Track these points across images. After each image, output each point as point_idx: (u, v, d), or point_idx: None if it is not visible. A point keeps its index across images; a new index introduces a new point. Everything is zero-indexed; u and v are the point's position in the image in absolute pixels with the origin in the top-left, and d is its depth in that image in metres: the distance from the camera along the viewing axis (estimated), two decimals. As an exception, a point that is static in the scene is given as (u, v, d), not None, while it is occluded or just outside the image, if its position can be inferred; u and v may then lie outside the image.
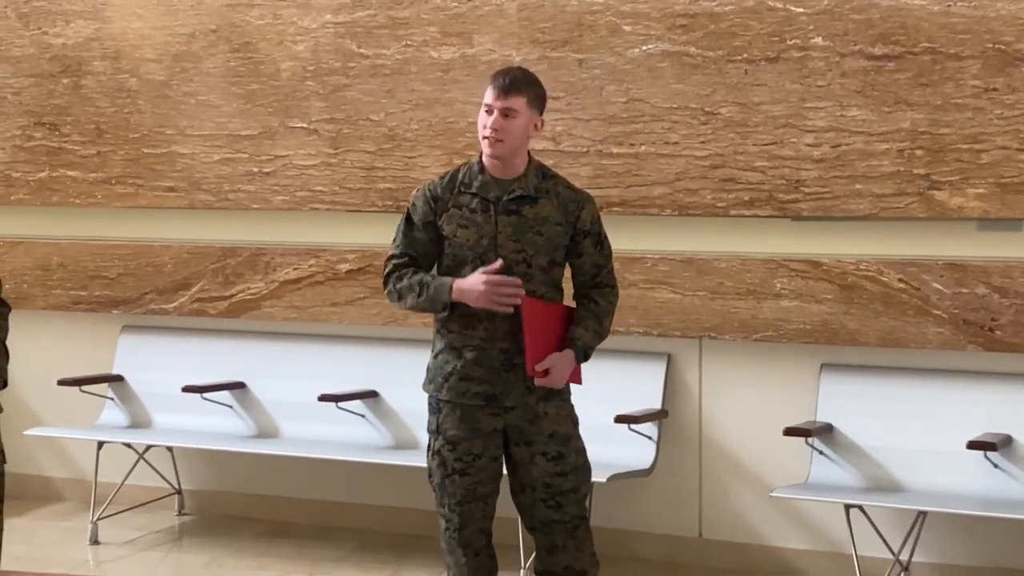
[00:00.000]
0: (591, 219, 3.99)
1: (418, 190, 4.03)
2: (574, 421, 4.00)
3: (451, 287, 3.85)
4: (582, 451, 3.99)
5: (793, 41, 5.10)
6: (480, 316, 3.87)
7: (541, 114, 3.97)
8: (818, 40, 5.07)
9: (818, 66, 5.07)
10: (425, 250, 3.97)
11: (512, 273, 3.87)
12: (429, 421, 3.99)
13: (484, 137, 3.89)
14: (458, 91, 5.60)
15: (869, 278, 5.07)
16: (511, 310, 3.83)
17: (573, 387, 4.03)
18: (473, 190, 3.93)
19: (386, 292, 4.02)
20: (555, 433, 3.94)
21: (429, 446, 3.99)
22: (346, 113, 5.80)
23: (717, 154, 5.23)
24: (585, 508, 4.01)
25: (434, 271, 3.99)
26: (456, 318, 3.89)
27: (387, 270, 4.01)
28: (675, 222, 5.35)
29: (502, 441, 3.95)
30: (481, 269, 3.84)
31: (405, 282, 3.94)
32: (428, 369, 4.00)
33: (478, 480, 3.94)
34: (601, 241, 4.01)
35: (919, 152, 4.97)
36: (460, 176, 3.97)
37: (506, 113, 3.86)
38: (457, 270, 3.91)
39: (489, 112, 3.88)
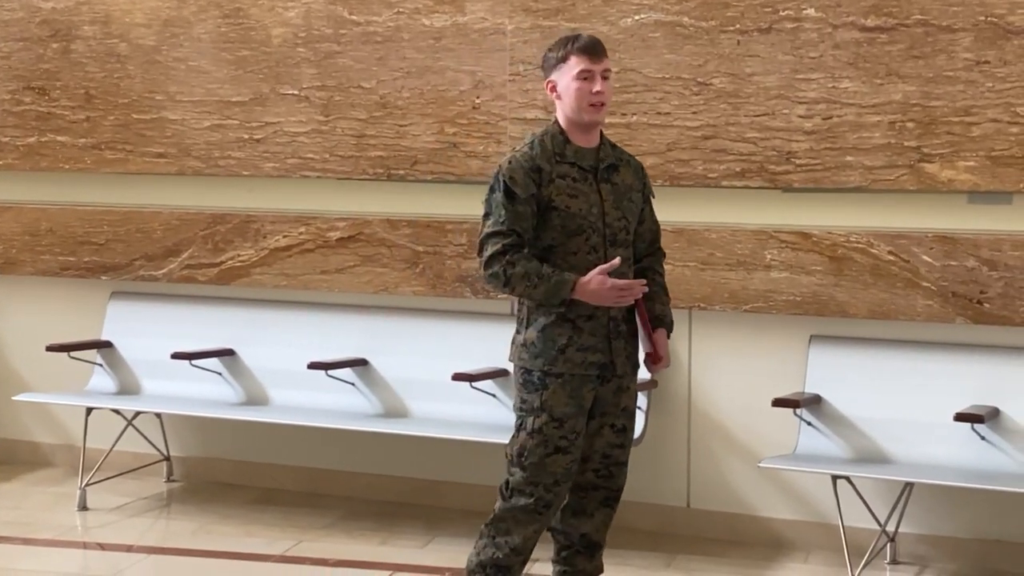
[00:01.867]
0: (650, 185, 4.13)
1: (511, 162, 3.91)
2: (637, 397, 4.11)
3: (574, 284, 3.81)
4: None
5: (786, 12, 5.09)
6: None
7: None
8: (811, 11, 5.06)
9: (810, 37, 5.06)
10: (528, 224, 3.88)
11: (617, 241, 3.93)
12: (527, 399, 3.92)
13: (591, 104, 3.88)
14: (450, 59, 5.58)
15: (859, 250, 5.08)
16: (628, 303, 3.88)
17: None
18: (570, 160, 3.91)
19: (488, 273, 3.88)
20: (627, 407, 4.02)
21: (522, 425, 3.92)
22: (337, 80, 5.77)
23: (709, 125, 5.22)
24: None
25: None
26: None
27: (494, 250, 3.86)
28: (666, 192, 5.32)
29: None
30: (601, 268, 3.82)
31: (519, 268, 3.83)
32: (528, 344, 3.92)
33: (575, 458, 3.95)
34: (653, 206, 4.14)
35: (910, 124, 4.96)
36: (548, 145, 3.93)
37: (606, 75, 3.91)
38: (565, 241, 3.88)
39: (589, 78, 3.87)
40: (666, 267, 5.25)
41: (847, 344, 5.18)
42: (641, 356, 4.07)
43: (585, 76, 3.88)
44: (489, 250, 3.87)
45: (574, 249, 3.88)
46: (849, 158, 5.05)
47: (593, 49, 3.90)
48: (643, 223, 4.07)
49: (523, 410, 3.93)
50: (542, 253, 3.90)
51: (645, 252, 4.10)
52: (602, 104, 3.90)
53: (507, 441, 4.02)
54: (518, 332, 3.98)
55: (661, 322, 4.03)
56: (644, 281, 3.94)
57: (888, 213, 5.08)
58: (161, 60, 6.06)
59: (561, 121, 3.96)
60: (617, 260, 3.85)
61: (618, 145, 4.14)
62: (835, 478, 4.88)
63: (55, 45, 6.24)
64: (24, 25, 6.29)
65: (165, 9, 6.03)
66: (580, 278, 3.82)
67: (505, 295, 4.05)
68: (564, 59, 3.90)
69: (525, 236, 3.87)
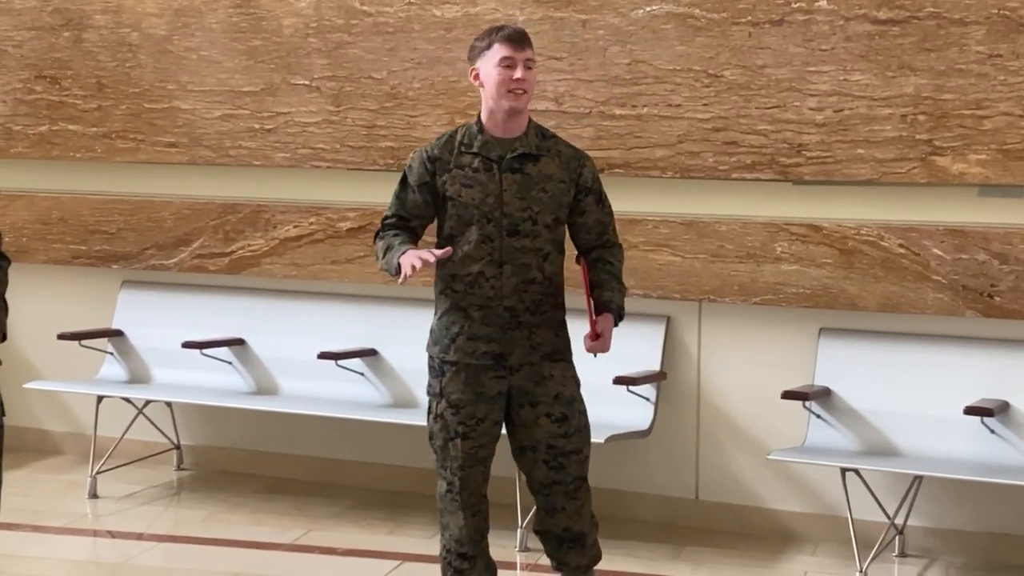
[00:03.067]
0: (592, 176, 4.00)
1: (415, 153, 4.02)
2: (577, 383, 4.02)
3: (403, 253, 3.81)
4: (584, 413, 4.01)
5: (798, 4, 5.08)
6: (486, 275, 3.88)
7: None
8: (822, 3, 5.05)
9: (822, 30, 5.05)
10: (417, 211, 3.97)
11: (518, 231, 3.88)
12: (431, 384, 3.99)
13: (509, 91, 3.87)
14: (461, 50, 5.57)
15: (869, 243, 5.07)
16: (407, 272, 3.75)
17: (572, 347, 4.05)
18: (475, 150, 3.93)
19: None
20: (560, 394, 3.95)
21: (430, 409, 3.99)
22: (348, 71, 5.78)
23: (720, 117, 5.22)
24: (586, 470, 4.02)
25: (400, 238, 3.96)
26: (459, 277, 3.90)
27: (377, 230, 4.03)
28: (676, 184, 5.34)
29: (504, 404, 3.95)
30: (434, 251, 3.81)
31: (380, 243, 3.96)
32: (432, 331, 3.99)
33: (479, 444, 3.95)
34: (602, 199, 4.03)
35: (922, 117, 4.96)
36: (459, 137, 3.97)
37: (529, 65, 3.90)
38: (463, 230, 3.90)
39: (510, 66, 3.87)
40: (676, 259, 5.28)
41: (857, 337, 5.17)
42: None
43: (507, 64, 3.88)
44: (377, 232, 4.03)
45: (469, 238, 3.89)
46: (860, 151, 5.04)
47: (516, 37, 3.91)
48: (584, 215, 4.00)
49: (429, 394, 4.01)
50: (444, 243, 3.93)
51: (593, 244, 4.03)
52: (523, 91, 3.89)
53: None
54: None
55: (606, 307, 3.96)
56: (434, 256, 3.78)
57: (899, 206, 5.07)
58: (172, 50, 6.07)
59: (483, 112, 3.96)
60: (448, 250, 3.83)
61: (556, 137, 4.03)
62: (844, 471, 4.88)
63: (67, 34, 6.25)
64: (36, 14, 6.30)
65: (177, -1, 6.04)
66: (411, 248, 3.85)
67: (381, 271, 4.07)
68: (488, 47, 3.91)
69: (411, 221, 3.99)
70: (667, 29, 5.26)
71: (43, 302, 6.32)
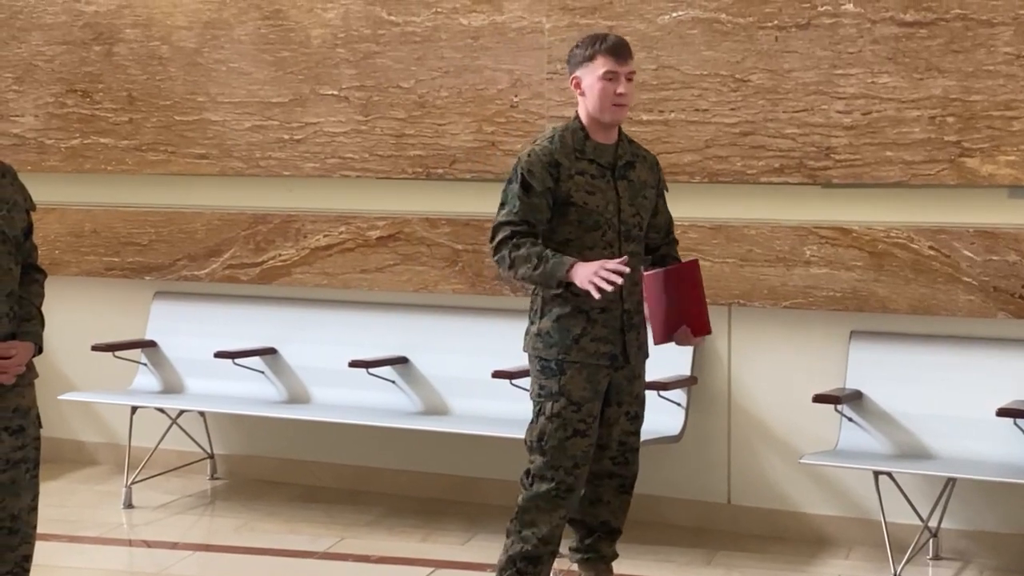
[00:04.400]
0: (664, 180, 4.24)
1: (529, 156, 4.00)
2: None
3: (571, 266, 3.84)
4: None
5: (824, 7, 5.08)
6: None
7: None
8: (849, 6, 5.04)
9: (849, 32, 5.04)
10: (542, 216, 3.98)
11: (631, 236, 4.04)
12: (545, 384, 4.02)
13: (615, 105, 3.97)
14: (488, 58, 5.60)
15: (899, 245, 5.06)
16: (610, 288, 3.80)
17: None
18: (589, 156, 4.01)
19: (496, 258, 3.98)
20: (639, 395, 4.15)
21: (541, 410, 4.03)
22: (376, 80, 5.81)
23: (747, 121, 5.21)
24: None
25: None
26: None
27: (502, 235, 3.96)
28: (704, 189, 5.34)
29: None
30: (613, 261, 3.83)
31: (523, 251, 3.91)
32: (542, 334, 4.03)
33: (592, 442, 4.06)
34: (666, 199, 4.26)
35: (950, 119, 4.94)
36: (569, 142, 4.02)
37: (630, 77, 4.01)
38: (582, 235, 3.97)
39: (613, 79, 3.96)
40: (705, 263, 5.29)
41: (888, 340, 5.16)
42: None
43: (610, 77, 3.97)
44: (499, 236, 3.97)
45: (590, 244, 3.99)
46: (889, 153, 5.03)
47: (620, 51, 4.00)
48: (657, 216, 4.20)
49: (541, 396, 4.04)
50: (558, 247, 3.97)
51: (661, 242, 4.25)
52: (624, 105, 4.02)
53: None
54: (532, 323, 4.10)
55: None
56: (625, 269, 3.83)
57: (928, 208, 5.06)
58: (202, 62, 6.11)
59: (583, 117, 4.07)
60: (626, 258, 3.90)
61: (635, 141, 4.24)
62: (877, 474, 4.86)
63: (98, 48, 6.31)
64: (67, 29, 6.36)
65: (206, 11, 6.08)
66: (579, 261, 3.87)
67: (508, 277, 4.13)
68: (591, 58, 4.00)
69: (537, 227, 3.97)
70: (693, 34, 5.26)
71: (77, 314, 6.37)
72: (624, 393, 4.11)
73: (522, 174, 3.96)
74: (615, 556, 4.29)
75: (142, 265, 6.31)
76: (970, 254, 4.95)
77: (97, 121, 6.33)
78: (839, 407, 5.08)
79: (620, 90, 3.96)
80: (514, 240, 3.93)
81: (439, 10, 5.68)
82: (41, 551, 3.82)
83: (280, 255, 6.05)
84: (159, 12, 6.17)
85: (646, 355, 4.19)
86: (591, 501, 4.14)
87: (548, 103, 5.51)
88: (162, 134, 6.21)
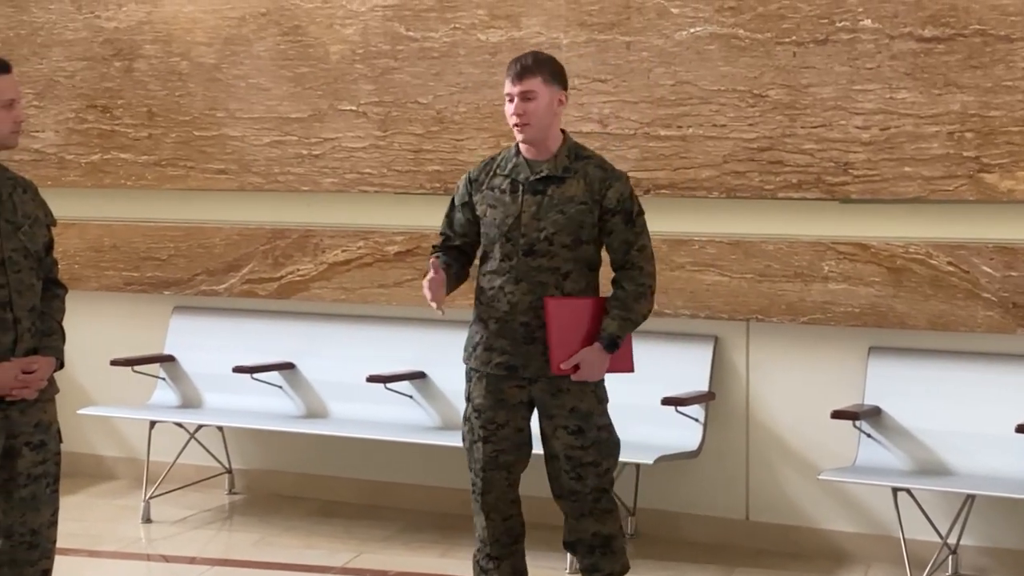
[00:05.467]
0: (618, 197, 4.08)
1: (464, 174, 4.26)
2: (598, 398, 4.13)
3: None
4: (605, 427, 4.12)
5: (842, 23, 5.08)
6: (504, 290, 4.06)
7: (564, 89, 4.11)
8: (867, 22, 5.04)
9: (867, 48, 5.04)
10: (462, 230, 4.22)
11: (534, 251, 4.04)
12: (465, 388, 4.20)
13: (514, 125, 4.06)
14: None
15: (918, 261, 5.05)
16: (433, 306, 4.04)
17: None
18: (505, 172, 4.13)
19: None
20: (576, 408, 4.08)
21: (464, 412, 4.21)
22: (394, 96, 5.82)
23: (765, 136, 5.22)
24: (608, 481, 4.15)
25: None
26: (484, 291, 4.11)
27: (431, 250, 4.27)
28: (723, 204, 5.34)
29: (528, 413, 4.13)
30: (433, 266, 4.06)
31: (429, 263, 4.16)
32: (466, 339, 4.22)
33: (500, 448, 4.12)
34: (633, 219, 4.09)
35: (969, 135, 4.93)
36: (498, 159, 4.19)
37: (525, 97, 4.01)
38: (490, 248, 4.12)
39: (510, 100, 4.06)
40: (722, 279, 5.28)
41: (907, 356, 5.14)
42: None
43: (508, 98, 4.07)
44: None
45: (494, 255, 4.11)
46: (907, 169, 5.03)
47: (512, 71, 4.06)
48: (610, 235, 4.09)
49: (465, 398, 4.22)
50: (482, 258, 4.18)
51: (618, 264, 4.11)
52: (526, 124, 4.02)
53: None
54: None
55: (598, 336, 4.03)
56: (439, 277, 4.01)
57: (947, 224, 5.05)
58: (222, 78, 6.14)
59: None
60: (433, 259, 4.07)
61: (595, 158, 4.14)
62: (895, 490, 4.85)
63: (118, 64, 6.34)
64: (87, 45, 6.40)
65: (225, 28, 6.12)
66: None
67: None
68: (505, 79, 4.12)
69: (455, 240, 4.24)
70: (711, 50, 5.27)
71: (96, 329, 6.39)
72: (551, 407, 4.09)
73: (454, 192, 4.26)
74: (626, 569, 4.22)
75: (161, 280, 6.33)
76: (989, 270, 4.94)
77: (117, 136, 6.37)
78: (858, 423, 5.07)
79: (510, 111, 4.05)
80: (434, 253, 4.22)
81: (457, 26, 5.70)
82: (60, 566, 3.84)
83: (298, 270, 6.06)
84: (179, 28, 6.21)
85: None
86: (575, 518, 4.15)
87: (566, 118, 5.46)
88: (181, 149, 6.24)
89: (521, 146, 4.12)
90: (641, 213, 4.11)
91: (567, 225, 4.04)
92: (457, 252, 4.23)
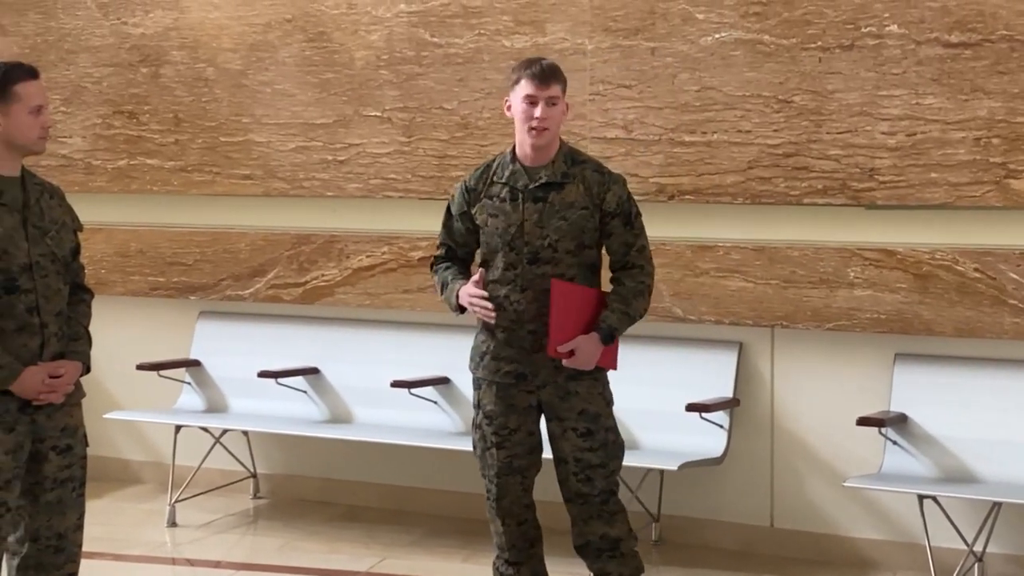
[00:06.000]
0: (617, 200, 4.12)
1: (458, 184, 4.25)
2: (606, 400, 4.16)
3: (458, 292, 4.12)
4: (612, 429, 4.15)
5: (868, 28, 5.06)
6: (510, 299, 4.07)
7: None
8: (893, 28, 5.02)
9: (893, 54, 5.03)
10: (463, 239, 4.22)
11: (539, 258, 4.04)
12: (474, 395, 4.22)
13: (531, 128, 4.04)
14: (530, 79, 5.61)
15: (944, 267, 5.03)
16: (492, 320, 4.05)
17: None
18: (503, 180, 4.12)
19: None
20: (585, 411, 4.10)
21: (473, 420, 4.22)
22: (419, 102, 5.83)
23: (790, 142, 5.20)
24: (615, 483, 4.17)
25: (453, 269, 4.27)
26: (490, 301, 4.09)
27: (430, 261, 4.30)
28: (747, 210, 5.33)
29: (538, 417, 4.14)
30: (473, 280, 4.08)
31: (438, 276, 4.23)
32: (471, 349, 4.23)
33: (514, 453, 4.14)
34: (631, 221, 4.14)
35: (995, 140, 4.91)
36: (493, 167, 4.18)
37: (551, 101, 4.03)
38: (491, 257, 4.12)
39: (533, 103, 4.03)
40: (747, 285, 5.27)
41: (933, 362, 5.12)
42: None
43: (530, 101, 4.04)
44: (431, 260, 4.30)
45: (497, 264, 4.11)
46: (934, 175, 5.00)
47: (541, 75, 4.05)
48: (609, 238, 4.13)
49: (473, 407, 4.24)
50: (482, 267, 4.18)
51: (618, 265, 4.17)
52: (544, 129, 4.04)
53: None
54: None
55: (596, 327, 4.08)
56: (484, 293, 4.04)
57: (974, 230, 5.02)
58: (247, 84, 6.16)
59: (516, 141, 4.16)
60: (480, 272, 4.08)
61: (588, 162, 4.17)
62: (921, 498, 4.83)
63: (144, 70, 6.38)
64: (114, 51, 6.43)
65: (251, 34, 6.14)
66: (462, 287, 4.10)
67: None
68: (517, 81, 4.10)
69: (458, 250, 4.23)
70: (736, 55, 5.26)
71: (122, 333, 6.41)
72: (561, 409, 4.11)
73: (449, 201, 4.25)
74: (637, 572, 4.22)
75: (187, 285, 6.35)
76: (1016, 276, 4.91)
77: (143, 142, 6.39)
78: (883, 430, 5.04)
79: (537, 114, 4.01)
80: (435, 265, 4.25)
81: (482, 32, 5.71)
82: (86, 569, 3.85)
83: (323, 275, 6.08)
84: (205, 35, 6.24)
85: (575, 374, 4.08)
86: (583, 520, 4.16)
87: (590, 124, 5.52)
88: (207, 155, 6.26)
89: (518, 151, 4.12)
90: (639, 214, 4.17)
91: (570, 231, 4.06)
92: (460, 263, 4.26)
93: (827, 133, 5.14)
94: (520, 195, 4.08)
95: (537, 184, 4.08)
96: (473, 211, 4.15)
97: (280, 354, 6.12)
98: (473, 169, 4.28)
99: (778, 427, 5.39)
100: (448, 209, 4.26)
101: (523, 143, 4.10)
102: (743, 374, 5.40)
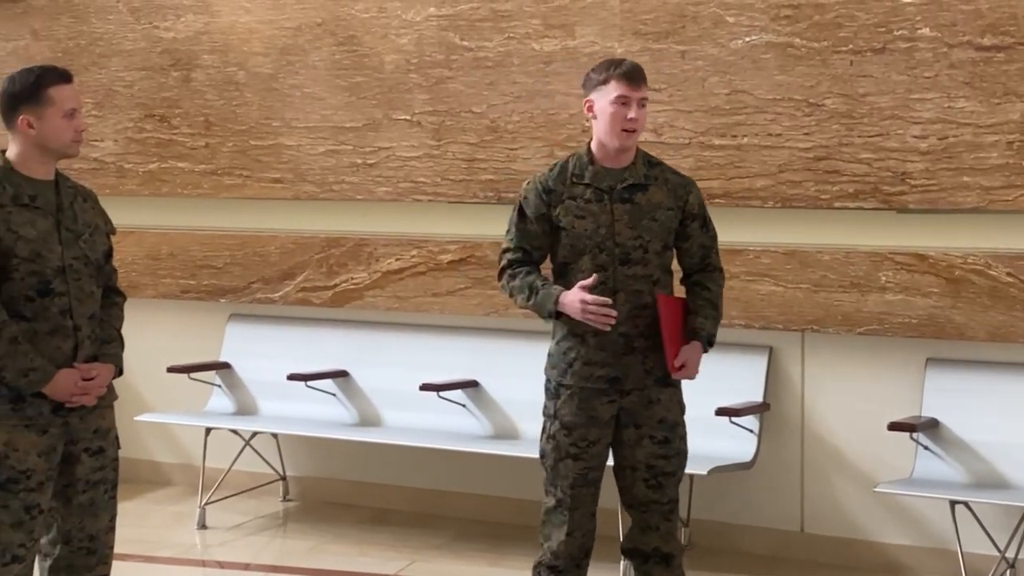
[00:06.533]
0: (698, 203, 4.12)
1: (528, 183, 4.12)
2: (682, 408, 4.13)
3: (557, 298, 3.95)
4: (685, 438, 4.12)
5: (900, 32, 5.04)
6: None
7: None
8: (925, 31, 5.00)
9: (925, 57, 5.00)
10: (539, 242, 4.08)
11: (629, 259, 3.98)
12: (546, 405, 4.09)
13: (624, 129, 3.98)
14: (559, 83, 5.61)
15: (977, 272, 5.00)
16: (608, 328, 3.93)
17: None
18: (586, 180, 4.03)
19: (500, 285, 4.13)
20: (664, 419, 4.06)
21: (544, 429, 4.09)
22: (448, 105, 5.84)
23: (821, 146, 5.18)
24: (678, 492, 4.13)
25: (538, 273, 4.10)
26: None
27: (502, 264, 4.11)
28: (777, 214, 5.31)
29: (613, 429, 4.06)
30: (580, 284, 3.93)
31: (518, 281, 4.04)
32: (550, 354, 4.09)
33: (591, 466, 4.06)
34: (707, 223, 4.14)
35: (1029, 144, 4.88)
36: (570, 167, 4.08)
37: (642, 103, 4.00)
38: (575, 259, 4.01)
39: (625, 104, 3.97)
40: (777, 289, 5.26)
41: (965, 367, 5.09)
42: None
43: (622, 101, 3.98)
44: (501, 264, 4.11)
45: (583, 267, 4.00)
46: (966, 178, 4.97)
47: (633, 76, 4.00)
48: (687, 240, 4.10)
49: (544, 415, 4.12)
50: (558, 270, 4.06)
51: (695, 269, 4.14)
52: (634, 131, 4.01)
53: None
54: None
55: (696, 335, 4.05)
56: (609, 301, 3.92)
57: (1006, 234, 4.99)
58: (278, 88, 6.18)
59: (594, 142, 4.08)
60: (594, 278, 3.92)
61: (662, 164, 4.15)
62: (953, 503, 4.80)
63: (176, 74, 6.40)
64: (146, 55, 6.46)
65: (282, 38, 6.16)
66: (563, 292, 3.95)
67: (518, 307, 4.19)
68: (604, 82, 4.01)
69: (533, 253, 4.08)
70: (767, 59, 5.24)
71: (153, 336, 6.43)
72: (641, 417, 4.04)
73: (520, 202, 4.09)
74: None
75: (217, 288, 6.38)
76: (1049, 281, 4.88)
77: (174, 146, 6.42)
78: (915, 435, 5.02)
79: (631, 115, 3.98)
80: (511, 269, 4.07)
81: (511, 35, 5.71)
82: (117, 571, 3.87)
83: (352, 278, 6.09)
84: (236, 39, 6.26)
85: (662, 380, 4.05)
86: (640, 529, 4.12)
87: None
88: (238, 159, 6.28)
89: (598, 152, 4.04)
90: (711, 220, 4.18)
91: (659, 232, 4.03)
92: (536, 268, 4.09)
93: (858, 137, 5.12)
94: (606, 196, 4.02)
95: (624, 185, 4.03)
96: (555, 213, 4.02)
97: (309, 357, 6.13)
98: (545, 171, 4.11)
99: (808, 432, 5.36)
100: (520, 211, 4.06)
101: (609, 144, 4.02)
102: (773, 378, 5.38)
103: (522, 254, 4.08)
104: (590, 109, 4.06)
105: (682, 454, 4.10)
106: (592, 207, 4.01)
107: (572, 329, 4.01)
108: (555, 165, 4.12)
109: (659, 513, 4.08)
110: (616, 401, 4.03)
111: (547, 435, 4.09)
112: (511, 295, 4.08)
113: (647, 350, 4.01)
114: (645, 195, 4.03)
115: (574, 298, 3.93)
